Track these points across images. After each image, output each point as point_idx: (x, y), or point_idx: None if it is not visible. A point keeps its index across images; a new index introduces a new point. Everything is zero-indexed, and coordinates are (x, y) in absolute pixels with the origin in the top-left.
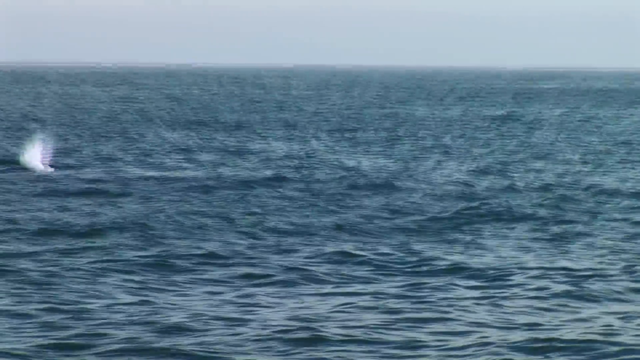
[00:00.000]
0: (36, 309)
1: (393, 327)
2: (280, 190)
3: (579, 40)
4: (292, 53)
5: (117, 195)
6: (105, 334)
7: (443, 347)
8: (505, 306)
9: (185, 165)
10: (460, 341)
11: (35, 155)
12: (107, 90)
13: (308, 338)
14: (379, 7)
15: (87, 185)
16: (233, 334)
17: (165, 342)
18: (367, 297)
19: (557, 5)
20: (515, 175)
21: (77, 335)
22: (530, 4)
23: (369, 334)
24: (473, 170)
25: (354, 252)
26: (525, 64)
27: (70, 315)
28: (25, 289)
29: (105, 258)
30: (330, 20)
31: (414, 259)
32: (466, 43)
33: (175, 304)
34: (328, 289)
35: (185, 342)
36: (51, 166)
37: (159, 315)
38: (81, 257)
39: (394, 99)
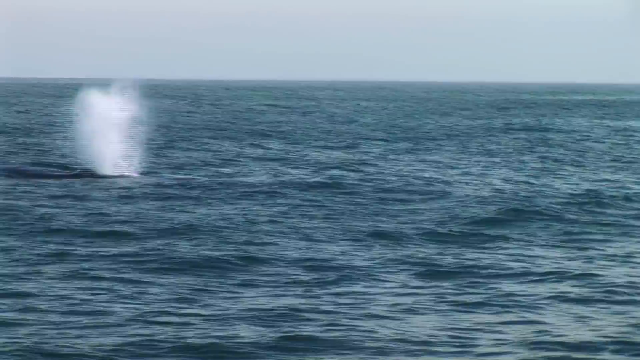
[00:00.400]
0: (101, 310)
1: (444, 324)
2: (333, 195)
3: (602, 55)
4: (333, 67)
5: (183, 199)
6: (163, 333)
7: (493, 344)
8: (551, 307)
9: (246, 172)
10: (507, 338)
11: (105, 162)
12: (171, 102)
13: (368, 337)
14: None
15: (154, 191)
16: (292, 334)
17: (225, 341)
18: (422, 298)
19: (575, 20)
20: (552, 181)
21: (136, 335)
22: (546, 20)
23: (423, 333)
24: (512, 176)
25: (404, 253)
26: (542, 80)
27: (131, 315)
28: (96, 290)
29: (168, 258)
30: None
31: (458, 261)
32: (484, 59)
33: (233, 306)
34: (383, 290)
35: (243, 342)
36: (122, 173)
37: (217, 316)
38: (144, 258)
39: (431, 110)
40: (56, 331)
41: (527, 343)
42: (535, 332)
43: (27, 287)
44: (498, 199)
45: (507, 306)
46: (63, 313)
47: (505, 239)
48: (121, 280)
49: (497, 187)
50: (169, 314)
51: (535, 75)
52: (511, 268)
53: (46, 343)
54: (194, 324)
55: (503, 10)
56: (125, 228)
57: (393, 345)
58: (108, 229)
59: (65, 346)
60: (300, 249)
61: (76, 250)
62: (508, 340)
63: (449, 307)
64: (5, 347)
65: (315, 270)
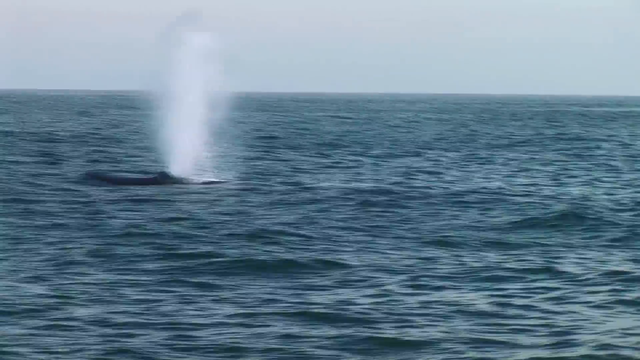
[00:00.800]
0: (189, 313)
1: (513, 326)
2: (398, 202)
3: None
4: (391, 80)
5: (258, 205)
6: (244, 335)
7: (561, 344)
8: (614, 309)
9: (317, 179)
10: (575, 339)
11: (184, 168)
12: (246, 114)
13: (443, 338)
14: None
15: (230, 196)
16: (369, 335)
17: (304, 342)
18: (491, 300)
19: (621, 34)
20: (606, 188)
21: (224, 336)
22: (591, 36)
23: (494, 334)
24: (567, 182)
25: (469, 257)
26: (589, 93)
27: (217, 317)
28: (180, 293)
29: (247, 262)
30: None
31: (521, 265)
32: (534, 73)
33: (311, 308)
34: (454, 292)
35: (322, 345)
36: (200, 179)
37: (296, 317)
38: (222, 261)
39: (486, 120)
40: (142, 331)
41: (595, 345)
42: (601, 333)
43: (116, 290)
44: (554, 205)
45: (574, 310)
46: (149, 315)
47: (565, 244)
48: (203, 284)
49: (552, 193)
50: (248, 316)
51: (582, 88)
52: (573, 272)
53: (134, 346)
54: (274, 325)
55: (547, 29)
56: (205, 232)
57: (466, 346)
58: (188, 232)
59: (152, 348)
60: (372, 252)
61: (158, 253)
62: (575, 340)
63: (517, 310)
64: (92, 348)
65: (389, 273)
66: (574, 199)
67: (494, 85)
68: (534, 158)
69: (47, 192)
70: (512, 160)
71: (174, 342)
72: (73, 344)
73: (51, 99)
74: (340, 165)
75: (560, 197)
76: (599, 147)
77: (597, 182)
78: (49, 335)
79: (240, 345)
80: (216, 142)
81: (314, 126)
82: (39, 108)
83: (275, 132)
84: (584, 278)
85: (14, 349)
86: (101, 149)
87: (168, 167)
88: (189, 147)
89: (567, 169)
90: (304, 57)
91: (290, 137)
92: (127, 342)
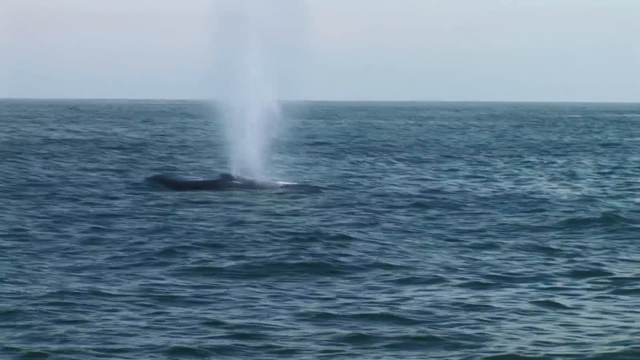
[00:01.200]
0: (253, 314)
1: (559, 327)
2: (445, 206)
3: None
4: (436, 89)
5: (322, 208)
6: (307, 332)
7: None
8: None
9: (383, 182)
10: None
11: (247, 173)
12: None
13: (484, 338)
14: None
15: (288, 199)
16: (426, 333)
17: (365, 338)
18: (535, 300)
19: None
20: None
21: (294, 333)
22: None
23: (540, 334)
24: (607, 185)
25: (516, 261)
26: (625, 100)
27: (286, 316)
28: (243, 296)
29: (303, 264)
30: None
31: (568, 269)
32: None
33: (369, 309)
34: (501, 292)
35: (377, 344)
36: (263, 184)
37: (354, 317)
38: (275, 262)
39: (531, 128)
40: (210, 330)
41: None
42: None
43: (182, 291)
44: (597, 208)
45: (624, 309)
46: (216, 316)
47: (610, 245)
48: (269, 286)
49: (595, 197)
50: (313, 317)
51: (617, 95)
52: (619, 273)
53: (202, 345)
54: (339, 325)
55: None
56: (269, 235)
57: (522, 344)
58: (253, 235)
59: (219, 349)
60: (430, 254)
61: (224, 255)
62: (628, 340)
63: (567, 310)
64: (160, 347)
65: (446, 274)
66: (616, 202)
67: (533, 93)
68: (575, 163)
69: (116, 196)
70: (555, 164)
71: (241, 342)
72: (141, 343)
73: (116, 107)
74: (395, 169)
75: (603, 200)
76: (637, 153)
77: (633, 186)
78: (118, 334)
79: (306, 345)
80: (276, 147)
81: (367, 133)
82: (105, 117)
83: (330, 139)
84: (629, 277)
85: (83, 347)
86: (166, 154)
87: (231, 170)
88: (250, 152)
89: (607, 173)
90: (351, 65)
91: (345, 143)
92: (195, 341)
